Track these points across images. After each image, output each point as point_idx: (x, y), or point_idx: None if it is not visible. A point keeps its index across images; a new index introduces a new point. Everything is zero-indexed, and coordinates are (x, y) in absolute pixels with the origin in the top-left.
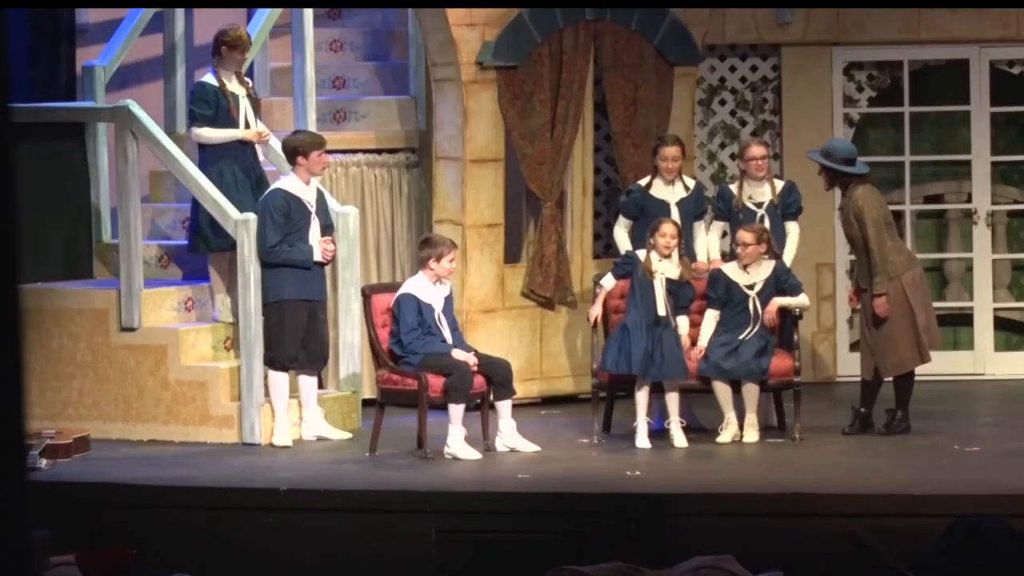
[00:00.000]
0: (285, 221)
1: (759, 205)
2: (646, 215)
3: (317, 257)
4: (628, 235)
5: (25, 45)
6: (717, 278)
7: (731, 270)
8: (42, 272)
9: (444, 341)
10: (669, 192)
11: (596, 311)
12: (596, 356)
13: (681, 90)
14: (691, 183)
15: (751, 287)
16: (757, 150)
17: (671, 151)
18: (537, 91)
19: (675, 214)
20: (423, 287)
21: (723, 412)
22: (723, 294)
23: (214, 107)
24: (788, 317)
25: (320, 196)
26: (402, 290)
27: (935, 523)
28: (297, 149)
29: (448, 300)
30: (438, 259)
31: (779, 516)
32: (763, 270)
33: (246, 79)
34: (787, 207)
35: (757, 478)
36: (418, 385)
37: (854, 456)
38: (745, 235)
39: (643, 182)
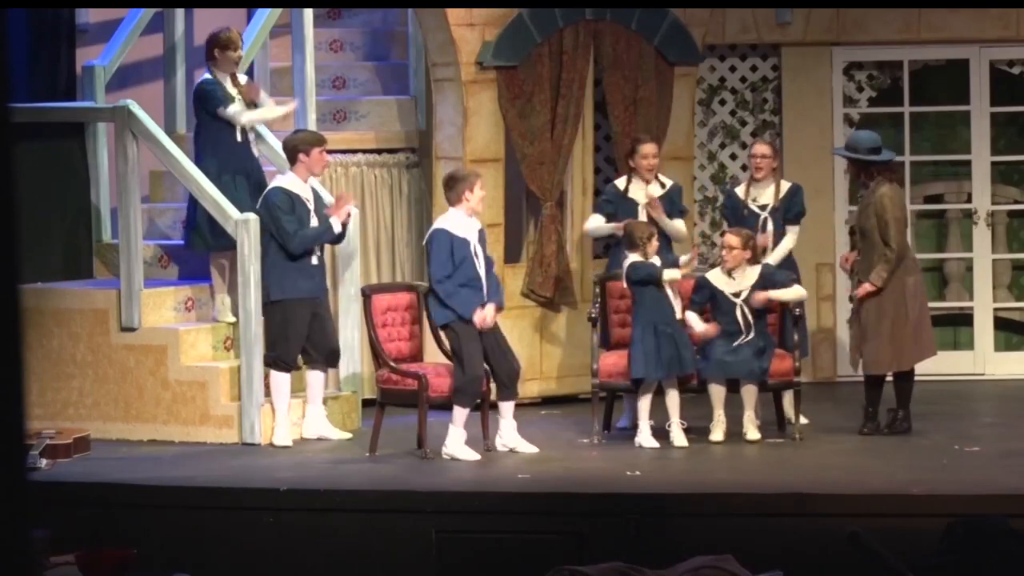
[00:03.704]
0: (291, 212)
1: (763, 208)
2: (618, 215)
3: (337, 228)
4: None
5: (25, 45)
6: (703, 285)
7: (716, 278)
8: (42, 272)
9: (478, 278)
10: (642, 193)
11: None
12: (596, 356)
13: (681, 90)
14: (667, 183)
15: (737, 295)
16: (759, 148)
17: (650, 148)
18: (537, 91)
19: (642, 216)
20: (456, 222)
21: (714, 411)
22: (705, 301)
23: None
24: (788, 317)
25: (316, 195)
26: (434, 226)
27: (935, 523)
28: (298, 147)
29: (482, 234)
30: (471, 189)
31: (779, 516)
32: (749, 276)
33: (241, 83)
34: (788, 210)
35: (757, 478)
36: (418, 385)
37: (854, 456)
38: (732, 239)
39: (619, 183)
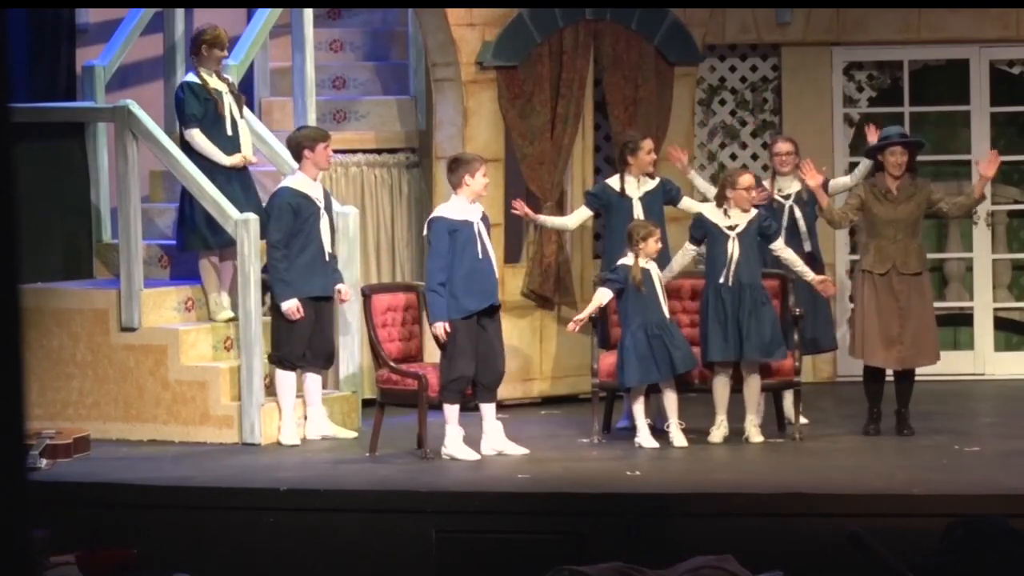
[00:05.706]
0: (293, 218)
1: (787, 197)
2: (611, 212)
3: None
4: (580, 217)
5: (25, 45)
6: (700, 220)
7: (711, 212)
8: (42, 272)
9: (482, 259)
10: (635, 189)
11: (581, 317)
12: (596, 356)
13: (681, 90)
14: (656, 177)
15: (732, 228)
16: (782, 146)
17: (650, 143)
18: (537, 91)
19: (638, 209)
20: (456, 208)
21: (716, 414)
22: (702, 236)
23: (203, 105)
24: (787, 317)
25: (326, 193)
26: (433, 214)
27: (935, 523)
28: (302, 143)
29: (485, 219)
30: (472, 175)
31: (779, 516)
32: (746, 216)
33: (225, 76)
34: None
35: (757, 478)
36: (418, 385)
37: (854, 456)
38: (744, 179)
39: (613, 183)
